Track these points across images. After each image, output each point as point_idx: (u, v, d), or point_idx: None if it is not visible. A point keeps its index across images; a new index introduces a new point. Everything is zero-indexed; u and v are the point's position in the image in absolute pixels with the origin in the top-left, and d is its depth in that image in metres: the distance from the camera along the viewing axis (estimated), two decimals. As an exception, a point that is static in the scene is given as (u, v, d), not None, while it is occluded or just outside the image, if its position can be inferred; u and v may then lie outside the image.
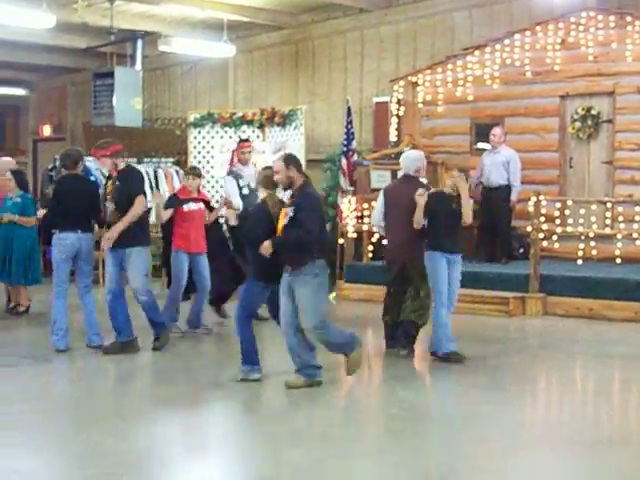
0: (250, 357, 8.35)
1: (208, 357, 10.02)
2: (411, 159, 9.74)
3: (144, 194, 9.54)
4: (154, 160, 17.58)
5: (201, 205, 10.62)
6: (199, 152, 16.64)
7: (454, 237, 9.34)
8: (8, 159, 13.91)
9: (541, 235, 12.58)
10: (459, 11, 15.94)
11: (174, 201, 10.66)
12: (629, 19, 13.63)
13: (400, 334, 9.47)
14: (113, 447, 6.37)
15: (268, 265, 8.07)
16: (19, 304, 12.27)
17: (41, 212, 9.89)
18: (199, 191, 10.90)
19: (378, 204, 9.80)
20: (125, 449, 6.33)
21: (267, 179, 8.35)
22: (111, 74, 16.36)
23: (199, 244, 10.55)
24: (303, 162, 15.13)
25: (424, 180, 9.97)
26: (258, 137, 16.39)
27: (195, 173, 10.89)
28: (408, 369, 9.16)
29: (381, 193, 9.85)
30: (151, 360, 9.55)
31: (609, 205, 13.45)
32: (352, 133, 15.15)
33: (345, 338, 8.28)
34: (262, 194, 8.45)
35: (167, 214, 10.52)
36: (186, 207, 10.54)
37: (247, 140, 12.16)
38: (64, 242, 9.52)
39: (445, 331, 9.17)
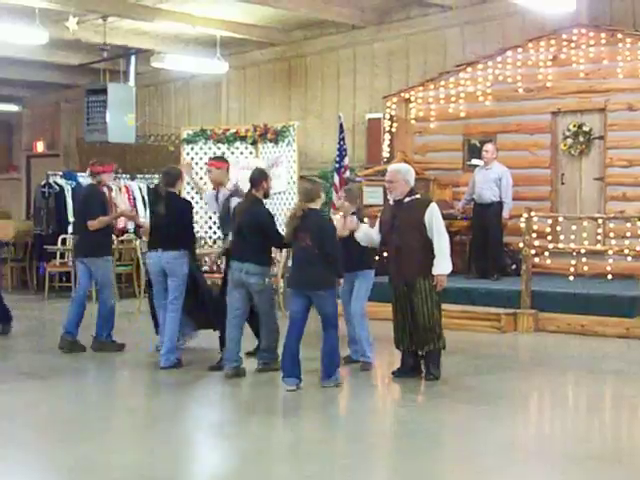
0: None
1: (197, 371, 9.97)
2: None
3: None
4: (147, 176, 17.61)
5: None
6: (192, 168, 16.63)
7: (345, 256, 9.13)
8: None
9: (533, 251, 12.58)
10: (451, 28, 16.00)
11: None
12: (620, 36, 13.70)
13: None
14: (103, 462, 6.36)
15: None
16: None
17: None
18: None
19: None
20: (115, 464, 6.32)
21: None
22: (104, 90, 16.40)
23: None
24: (295, 178, 15.33)
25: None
26: (251, 153, 16.42)
27: None
28: (398, 385, 9.15)
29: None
30: (144, 376, 9.55)
31: (600, 221, 13.47)
32: (344, 149, 15.16)
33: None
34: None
35: None
36: None
37: (215, 158, 11.19)
38: (148, 261, 9.87)
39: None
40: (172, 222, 9.55)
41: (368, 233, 9.26)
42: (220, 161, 10.58)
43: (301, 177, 9.37)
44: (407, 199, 8.99)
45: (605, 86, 13.99)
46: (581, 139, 14.25)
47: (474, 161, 14.77)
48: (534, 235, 12.65)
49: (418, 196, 9.12)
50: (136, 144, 18.10)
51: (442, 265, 8.81)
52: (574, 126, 14.28)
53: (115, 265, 15.27)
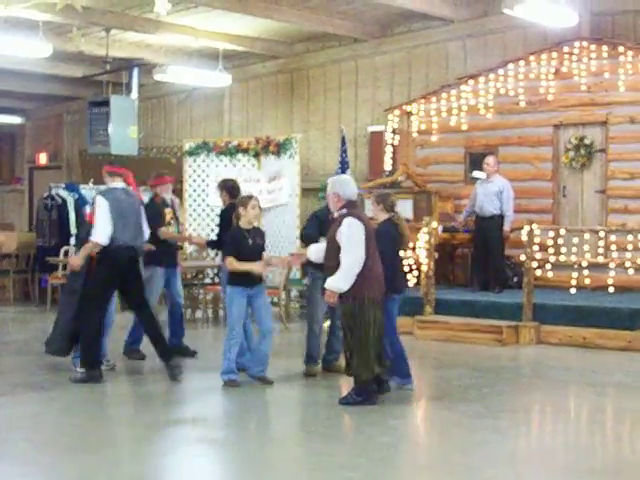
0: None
1: (196, 384, 9.98)
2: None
3: None
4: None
5: None
6: (194, 180, 16.69)
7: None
8: None
9: (534, 264, 12.60)
10: (453, 41, 16.03)
11: None
12: (621, 49, 13.73)
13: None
14: (106, 475, 6.36)
15: None
16: None
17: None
18: None
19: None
20: (118, 477, 6.31)
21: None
22: (107, 103, 16.41)
23: None
24: (298, 190, 15.36)
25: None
26: (253, 166, 16.44)
27: None
28: (399, 397, 9.14)
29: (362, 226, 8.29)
30: (144, 388, 9.54)
31: (602, 234, 13.45)
32: (346, 162, 15.24)
33: None
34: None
35: None
36: None
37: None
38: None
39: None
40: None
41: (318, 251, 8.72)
42: None
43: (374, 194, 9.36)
44: (337, 214, 8.33)
45: (607, 99, 14.02)
46: (583, 152, 14.26)
47: (476, 174, 14.80)
48: (536, 248, 12.65)
49: (344, 211, 8.26)
50: (138, 156, 18.11)
51: (333, 280, 8.16)
52: (576, 139, 14.31)
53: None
